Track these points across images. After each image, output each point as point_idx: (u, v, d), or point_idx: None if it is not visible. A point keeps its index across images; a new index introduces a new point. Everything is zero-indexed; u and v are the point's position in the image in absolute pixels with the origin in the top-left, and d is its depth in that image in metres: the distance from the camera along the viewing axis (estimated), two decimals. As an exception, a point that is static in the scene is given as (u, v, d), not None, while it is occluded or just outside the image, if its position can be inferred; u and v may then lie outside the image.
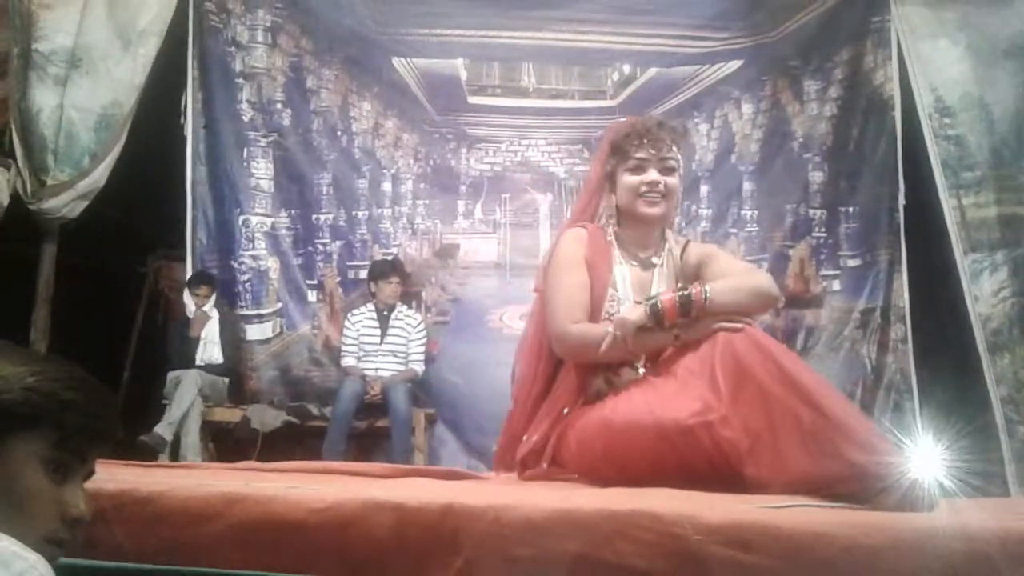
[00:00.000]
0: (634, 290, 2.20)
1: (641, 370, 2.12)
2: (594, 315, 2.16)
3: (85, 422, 1.06)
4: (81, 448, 1.07)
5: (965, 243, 5.13)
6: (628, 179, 2.20)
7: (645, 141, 2.19)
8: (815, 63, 5.73)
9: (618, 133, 2.27)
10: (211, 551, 1.48)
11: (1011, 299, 5.10)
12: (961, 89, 5.27)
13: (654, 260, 2.26)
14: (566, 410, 2.15)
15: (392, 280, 5.27)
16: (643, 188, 2.18)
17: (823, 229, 5.68)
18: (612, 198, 2.26)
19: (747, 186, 5.80)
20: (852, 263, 5.64)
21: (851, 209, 5.65)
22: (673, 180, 2.21)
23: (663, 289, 2.17)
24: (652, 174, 2.19)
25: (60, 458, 1.04)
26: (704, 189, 5.81)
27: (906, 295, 5.42)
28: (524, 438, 2.20)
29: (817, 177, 5.71)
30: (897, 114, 5.51)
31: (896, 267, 5.47)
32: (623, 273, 2.21)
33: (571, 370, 2.18)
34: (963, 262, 5.12)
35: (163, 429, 4.78)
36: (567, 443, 2.12)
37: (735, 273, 2.18)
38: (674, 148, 2.22)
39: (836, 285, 5.64)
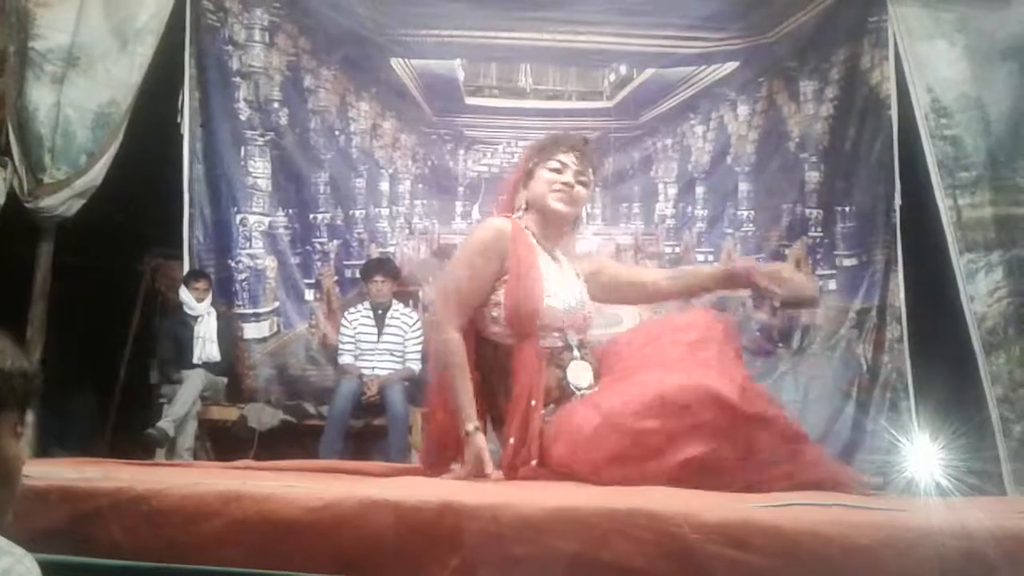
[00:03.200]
0: (555, 281, 2.30)
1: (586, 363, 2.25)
2: (529, 312, 2.21)
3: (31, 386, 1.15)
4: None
5: (961, 243, 5.15)
6: (546, 175, 2.35)
7: (571, 150, 2.37)
8: (811, 64, 5.74)
9: (549, 137, 2.47)
10: (208, 549, 1.48)
11: (1006, 299, 5.12)
12: (958, 90, 5.28)
13: (559, 256, 2.40)
14: (534, 402, 2.16)
15: (377, 279, 5.27)
16: (558, 185, 2.33)
17: (819, 229, 5.69)
18: (524, 194, 2.39)
19: (743, 187, 5.81)
20: (848, 263, 5.65)
21: (847, 209, 5.66)
22: (583, 192, 2.36)
23: (573, 291, 2.32)
24: (569, 176, 2.33)
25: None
26: (700, 190, 5.82)
27: (902, 295, 5.43)
28: (510, 440, 2.19)
29: (813, 177, 5.72)
30: (894, 114, 5.52)
31: (892, 267, 5.48)
32: (547, 264, 2.32)
33: (522, 365, 2.20)
34: (959, 262, 5.14)
35: (167, 425, 4.79)
36: (556, 443, 2.12)
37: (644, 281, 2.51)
38: (590, 170, 2.38)
39: (832, 285, 5.65)
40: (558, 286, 2.29)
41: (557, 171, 2.34)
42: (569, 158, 2.35)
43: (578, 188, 2.34)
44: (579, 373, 2.22)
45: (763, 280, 2.29)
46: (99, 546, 1.48)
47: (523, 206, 2.38)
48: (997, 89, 5.25)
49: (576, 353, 2.24)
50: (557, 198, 2.33)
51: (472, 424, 2.18)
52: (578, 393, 2.18)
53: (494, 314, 2.24)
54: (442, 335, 2.22)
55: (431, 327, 2.41)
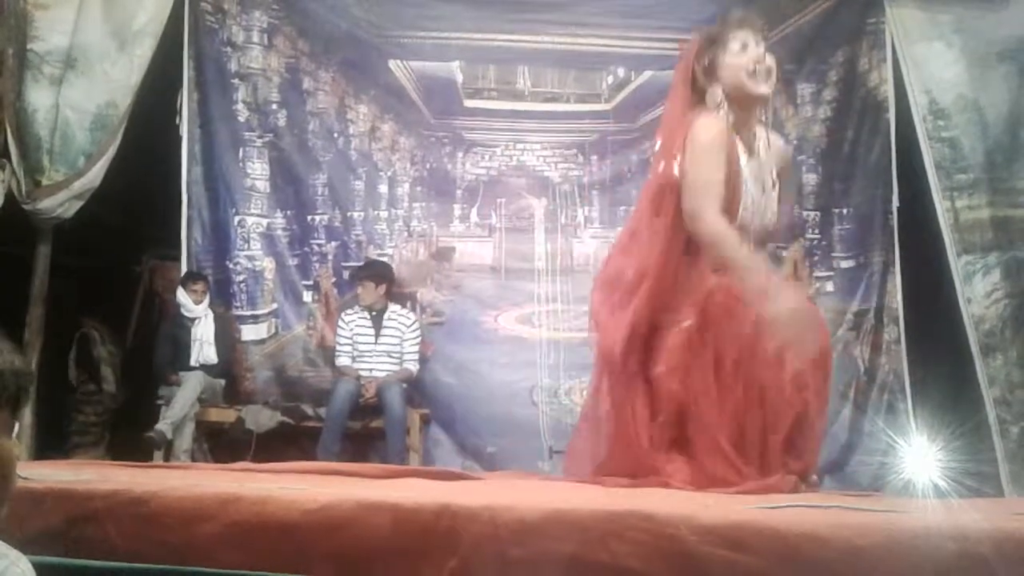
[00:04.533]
0: (754, 180, 2.31)
1: None
2: (732, 207, 2.25)
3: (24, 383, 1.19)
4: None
5: (958, 245, 5.15)
6: (734, 60, 2.29)
7: (744, 26, 2.32)
8: (809, 66, 5.74)
9: (711, 29, 2.39)
10: (205, 551, 1.48)
11: (1004, 300, 5.12)
12: (955, 92, 5.29)
13: (759, 148, 2.34)
14: None
15: (366, 284, 5.26)
16: (753, 66, 2.27)
17: (817, 231, 5.69)
18: (717, 88, 2.31)
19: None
20: (845, 265, 5.65)
21: (845, 211, 5.66)
22: (773, 63, 2.31)
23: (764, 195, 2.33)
24: (758, 51, 2.27)
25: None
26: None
27: (899, 296, 5.43)
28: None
29: (811, 179, 5.72)
30: (891, 116, 5.52)
31: (890, 269, 5.48)
32: (746, 165, 2.30)
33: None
34: (956, 264, 5.14)
35: (165, 427, 4.78)
36: None
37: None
38: (763, 38, 2.36)
39: (829, 286, 5.65)
40: (753, 190, 2.28)
41: (743, 50, 2.29)
42: (747, 35, 2.30)
43: (768, 62, 2.29)
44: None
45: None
46: (96, 548, 1.48)
47: (719, 103, 2.28)
48: (994, 91, 5.26)
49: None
50: (757, 80, 2.27)
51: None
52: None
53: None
54: (708, 225, 2.22)
55: (698, 221, 2.26)
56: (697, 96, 2.36)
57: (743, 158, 2.31)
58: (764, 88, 2.31)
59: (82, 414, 5.79)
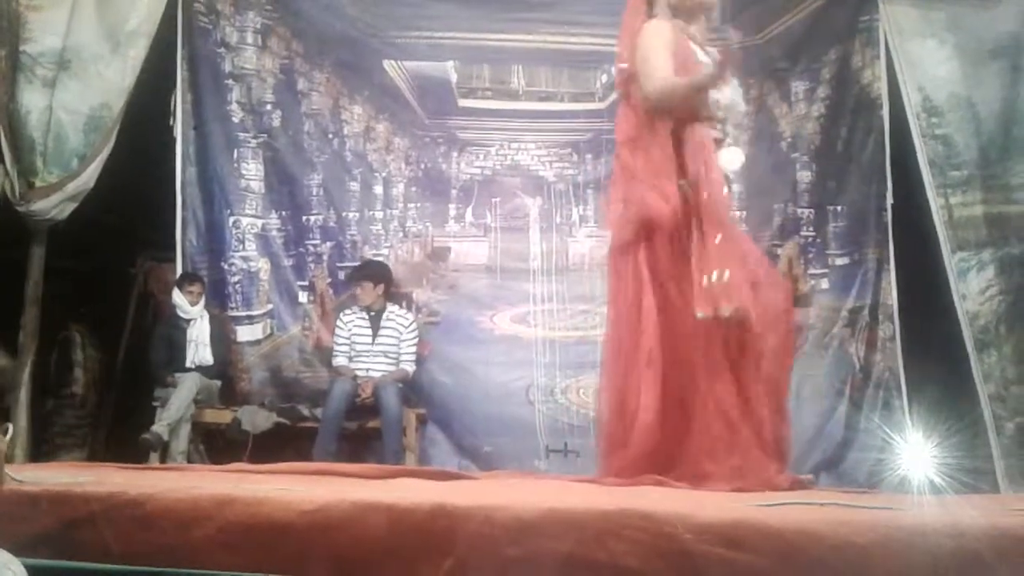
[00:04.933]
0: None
1: None
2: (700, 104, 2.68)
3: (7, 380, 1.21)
4: None
5: (952, 242, 5.16)
6: None
7: None
8: (803, 64, 5.75)
9: None
10: (201, 553, 1.48)
11: (998, 297, 5.13)
12: (948, 89, 5.29)
13: (710, 51, 2.81)
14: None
15: (357, 285, 5.26)
16: None
17: (811, 228, 5.69)
18: (663, 1, 2.79)
19: (734, 187, 5.79)
20: (840, 262, 5.65)
21: (839, 208, 5.67)
22: None
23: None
24: None
25: None
26: (692, 190, 5.82)
27: (894, 293, 5.44)
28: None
29: (805, 176, 5.72)
30: (885, 113, 5.53)
31: (884, 266, 5.49)
32: (703, 58, 2.74)
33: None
34: (950, 261, 5.15)
35: (161, 429, 4.77)
36: None
37: None
38: None
39: (824, 284, 5.66)
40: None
41: None
42: None
43: None
44: (731, 159, 2.76)
45: None
46: (92, 551, 1.48)
47: (663, 11, 2.78)
48: (987, 88, 5.26)
49: (729, 143, 2.71)
50: None
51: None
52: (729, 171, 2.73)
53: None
54: (659, 81, 2.67)
55: (646, 88, 2.74)
56: (649, 9, 2.84)
57: (698, 52, 2.76)
58: None
59: (62, 417, 5.77)
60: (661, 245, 2.69)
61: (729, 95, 2.79)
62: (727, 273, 2.51)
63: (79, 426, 5.76)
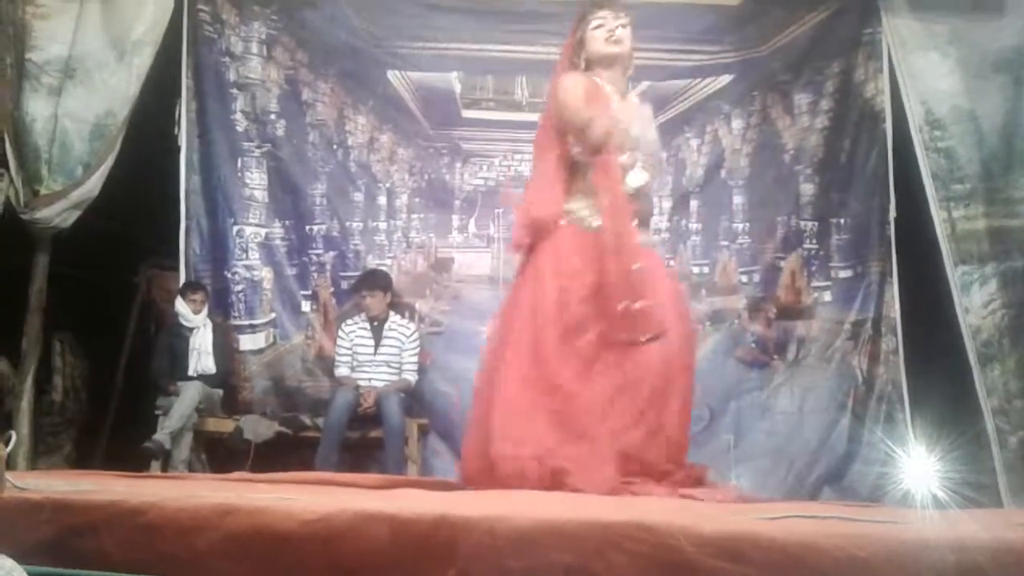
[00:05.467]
0: (628, 116, 3.03)
1: None
2: (605, 136, 2.93)
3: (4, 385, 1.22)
4: None
5: (955, 255, 5.16)
6: (593, 34, 3.10)
7: (601, 7, 3.10)
8: (806, 76, 5.76)
9: (581, 8, 3.19)
10: (202, 563, 1.47)
11: (1001, 311, 5.13)
12: (951, 102, 5.30)
13: (624, 95, 3.11)
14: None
15: (365, 292, 5.26)
16: (607, 35, 3.08)
17: (814, 241, 5.70)
18: (583, 54, 3.12)
19: (737, 199, 5.81)
20: (843, 275, 5.65)
21: (842, 221, 5.67)
22: (624, 32, 3.11)
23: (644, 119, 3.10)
24: (610, 25, 3.08)
25: None
26: (694, 204, 5.82)
27: (897, 306, 5.44)
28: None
29: (808, 189, 5.73)
30: (888, 126, 5.54)
31: (887, 279, 5.49)
32: (619, 105, 3.03)
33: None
34: (953, 274, 5.15)
35: (162, 437, 4.77)
36: None
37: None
38: (623, 14, 3.14)
39: (827, 296, 5.65)
40: (627, 113, 3.01)
41: (601, 26, 3.08)
42: (604, 14, 3.09)
43: (619, 30, 3.10)
44: (636, 178, 2.96)
45: None
46: (93, 559, 1.48)
47: (583, 65, 3.10)
48: (990, 101, 5.27)
49: (638, 166, 2.97)
50: (608, 44, 3.08)
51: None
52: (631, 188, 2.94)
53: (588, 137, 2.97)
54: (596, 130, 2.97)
55: (559, 120, 3.12)
56: (574, 65, 3.14)
57: (615, 100, 3.04)
58: (617, 49, 3.09)
59: (40, 423, 5.76)
60: (567, 258, 2.92)
61: (639, 128, 3.04)
62: (641, 302, 2.75)
63: (54, 432, 5.74)
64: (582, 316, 2.82)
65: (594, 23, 3.08)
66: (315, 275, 5.66)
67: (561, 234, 2.93)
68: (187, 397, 4.94)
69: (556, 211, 2.96)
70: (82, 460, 5.45)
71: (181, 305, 5.28)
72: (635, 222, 2.93)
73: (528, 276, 3.01)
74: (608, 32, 3.06)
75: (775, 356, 5.60)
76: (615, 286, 2.78)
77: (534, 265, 2.97)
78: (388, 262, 5.72)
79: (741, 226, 5.79)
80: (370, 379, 5.20)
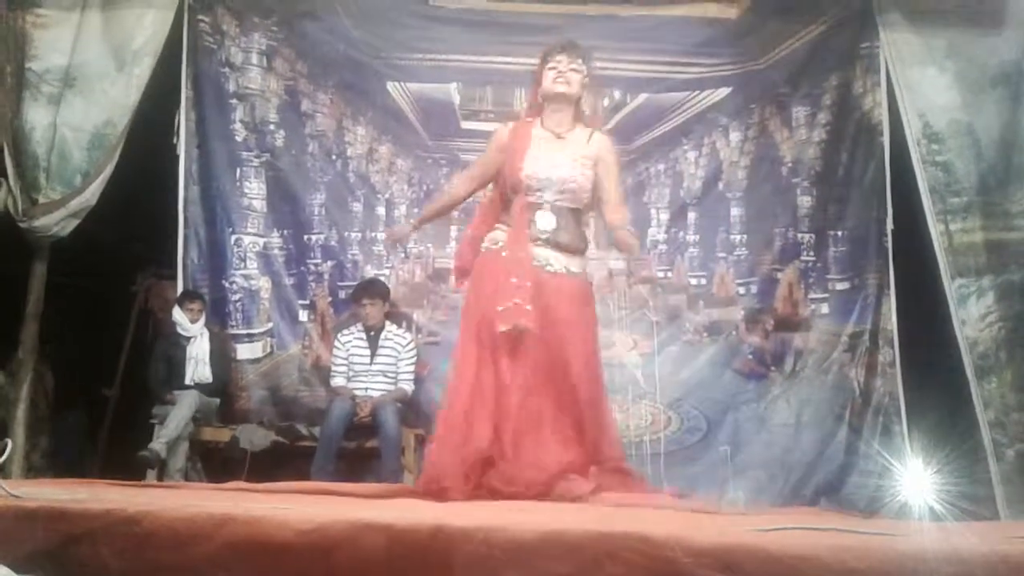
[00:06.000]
0: (545, 157, 3.34)
1: None
2: (516, 181, 3.36)
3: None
4: None
5: (952, 268, 5.17)
6: (548, 75, 3.41)
7: (560, 52, 3.41)
8: (804, 89, 5.78)
9: (544, 50, 3.49)
10: (198, 572, 1.47)
11: (998, 323, 5.14)
12: (949, 116, 5.33)
13: (564, 134, 3.40)
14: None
15: (365, 301, 5.26)
16: (554, 75, 3.39)
17: (812, 253, 5.70)
18: (539, 92, 3.44)
19: (735, 212, 5.83)
20: (840, 287, 5.66)
21: (839, 233, 5.68)
22: (575, 75, 3.40)
23: (566, 160, 3.39)
24: (561, 67, 3.38)
25: None
26: (692, 216, 5.84)
27: (894, 319, 5.44)
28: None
29: (805, 201, 5.74)
30: (886, 139, 5.56)
31: (884, 291, 5.50)
32: (545, 141, 3.38)
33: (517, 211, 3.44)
34: (950, 287, 5.16)
35: (159, 446, 4.76)
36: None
37: (610, 202, 3.40)
38: (579, 60, 3.41)
39: (824, 308, 5.66)
40: (546, 157, 3.33)
41: (553, 68, 3.38)
42: (560, 57, 3.39)
43: (569, 73, 3.37)
44: (543, 219, 3.31)
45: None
46: (89, 568, 1.47)
47: (539, 102, 3.45)
48: (987, 115, 5.30)
49: (546, 207, 3.31)
50: (555, 83, 3.37)
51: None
52: (541, 234, 3.30)
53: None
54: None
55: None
56: (534, 101, 3.53)
57: (542, 144, 3.35)
58: (562, 89, 3.37)
59: (36, 431, 5.73)
60: (480, 278, 3.39)
61: (546, 171, 3.32)
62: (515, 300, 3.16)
63: (49, 441, 5.72)
64: (492, 329, 3.20)
65: (550, 63, 3.40)
66: (313, 285, 5.66)
67: (482, 260, 3.42)
68: (184, 406, 4.94)
69: (467, 262, 3.52)
70: (78, 469, 5.43)
71: (179, 314, 5.28)
72: (557, 252, 3.32)
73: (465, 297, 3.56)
74: (558, 74, 3.37)
75: (772, 368, 5.60)
76: (500, 294, 3.21)
77: (468, 287, 3.51)
78: (386, 272, 5.73)
79: (739, 238, 5.80)
80: (366, 389, 5.19)
